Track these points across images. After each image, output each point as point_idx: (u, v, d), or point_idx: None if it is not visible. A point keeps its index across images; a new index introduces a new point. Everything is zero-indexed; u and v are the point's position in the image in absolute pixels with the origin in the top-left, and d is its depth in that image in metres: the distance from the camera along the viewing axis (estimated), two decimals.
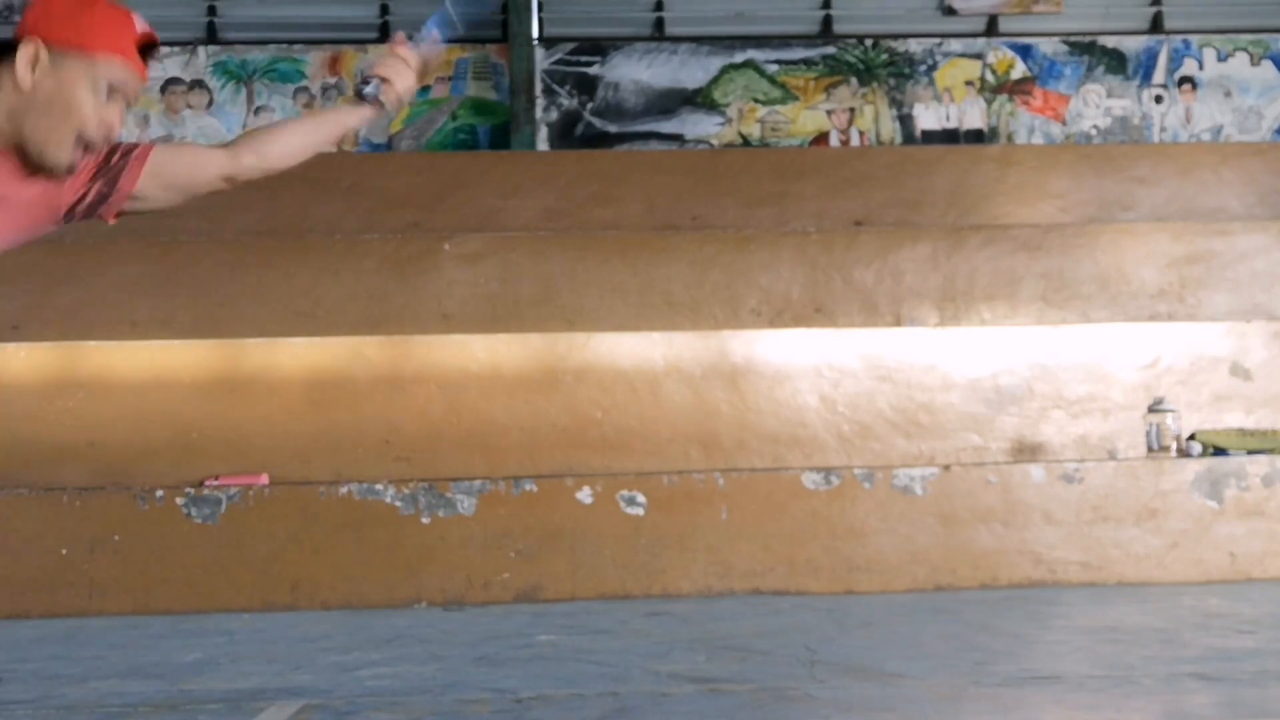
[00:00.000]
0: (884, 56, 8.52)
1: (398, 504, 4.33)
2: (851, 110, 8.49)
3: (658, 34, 8.55)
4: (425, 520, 4.26)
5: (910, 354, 5.25)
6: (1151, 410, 4.81)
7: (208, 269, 5.74)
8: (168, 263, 5.75)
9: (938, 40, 8.53)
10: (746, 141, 8.42)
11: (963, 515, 4.39)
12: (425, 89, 8.35)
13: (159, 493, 4.32)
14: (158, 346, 5.18)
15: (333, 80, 8.35)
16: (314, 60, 8.37)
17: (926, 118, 8.48)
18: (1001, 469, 4.47)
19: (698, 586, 4.31)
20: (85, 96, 1.84)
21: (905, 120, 8.48)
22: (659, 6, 8.56)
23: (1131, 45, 8.57)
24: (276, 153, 2.15)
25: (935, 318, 5.81)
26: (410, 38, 2.34)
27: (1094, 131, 8.47)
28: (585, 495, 4.36)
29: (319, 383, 5.06)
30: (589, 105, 8.43)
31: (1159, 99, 8.53)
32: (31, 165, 1.86)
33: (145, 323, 5.59)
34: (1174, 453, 4.71)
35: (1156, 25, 8.59)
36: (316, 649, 3.35)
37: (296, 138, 2.19)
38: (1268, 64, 8.57)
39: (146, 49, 1.93)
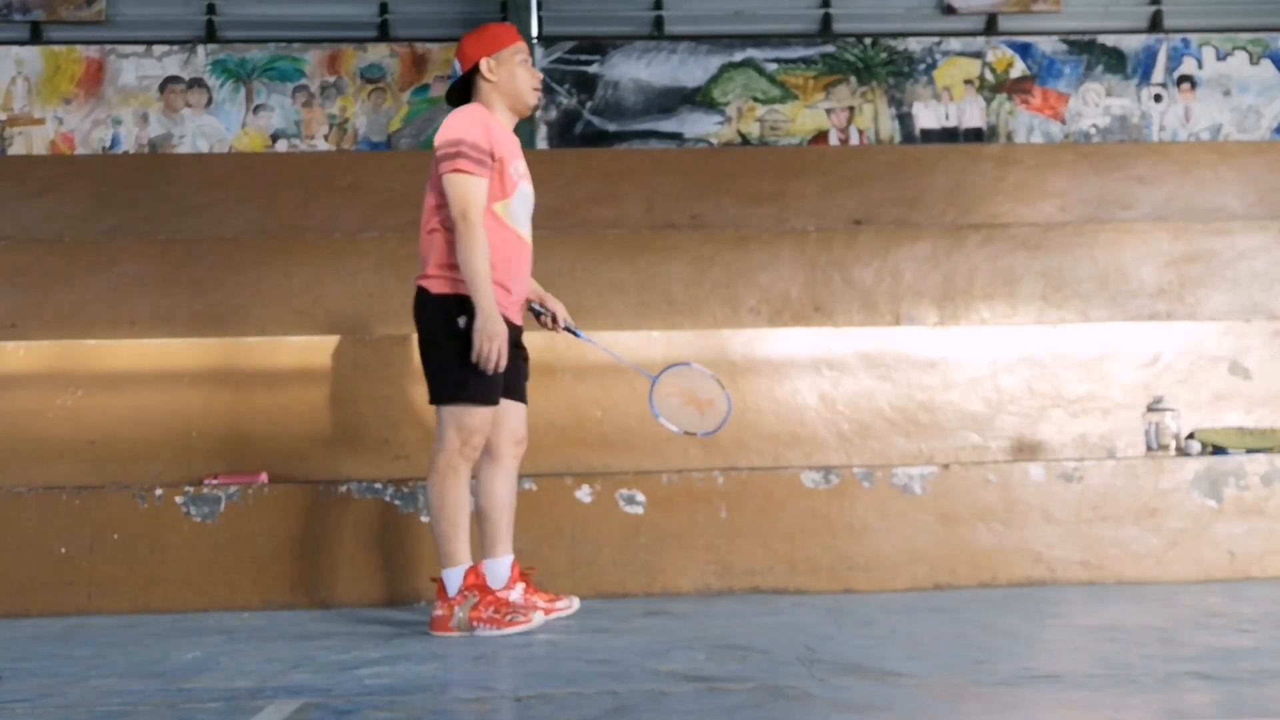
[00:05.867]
0: (883, 55, 8.52)
1: (397, 503, 4.33)
2: (851, 109, 8.49)
3: (657, 33, 8.56)
4: (425, 519, 4.26)
5: (910, 353, 5.26)
6: (1151, 409, 4.81)
7: (207, 268, 5.74)
8: (167, 261, 5.76)
9: (937, 39, 8.53)
10: (746, 140, 8.42)
11: (962, 514, 4.39)
12: (424, 87, 8.36)
13: (158, 491, 4.32)
14: (156, 345, 5.18)
15: (331, 79, 8.35)
16: (313, 59, 8.37)
17: (926, 116, 8.48)
18: (1001, 468, 4.47)
19: (697, 585, 4.31)
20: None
21: (904, 119, 8.48)
22: (658, 5, 8.57)
23: (1131, 44, 8.57)
24: None
25: (934, 316, 5.82)
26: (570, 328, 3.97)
27: (1093, 130, 8.48)
28: (585, 494, 4.36)
29: (318, 381, 5.05)
30: (588, 104, 8.44)
31: (1158, 98, 8.53)
32: None
33: (144, 321, 5.60)
34: (1173, 452, 4.72)
35: (1156, 24, 8.59)
36: (316, 648, 3.35)
37: None
38: (1267, 63, 8.58)
39: None
